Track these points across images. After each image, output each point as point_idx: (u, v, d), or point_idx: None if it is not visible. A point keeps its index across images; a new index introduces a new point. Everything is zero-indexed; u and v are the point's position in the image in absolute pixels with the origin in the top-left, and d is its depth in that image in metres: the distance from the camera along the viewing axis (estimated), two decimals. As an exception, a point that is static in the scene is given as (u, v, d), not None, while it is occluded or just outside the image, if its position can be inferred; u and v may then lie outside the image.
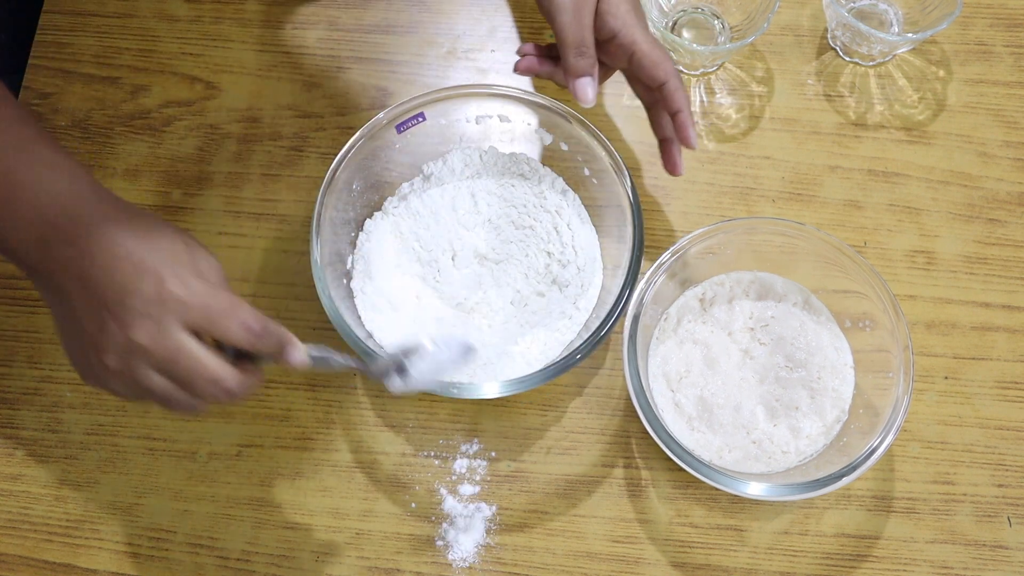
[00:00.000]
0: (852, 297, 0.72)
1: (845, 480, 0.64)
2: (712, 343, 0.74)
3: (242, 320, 0.56)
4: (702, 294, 0.75)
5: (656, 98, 0.71)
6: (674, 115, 0.70)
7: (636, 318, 0.69)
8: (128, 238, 0.56)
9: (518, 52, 0.73)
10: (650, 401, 0.67)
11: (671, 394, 0.73)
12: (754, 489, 0.65)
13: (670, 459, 0.66)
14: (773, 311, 0.74)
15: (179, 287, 0.55)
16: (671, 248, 0.71)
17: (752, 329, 0.74)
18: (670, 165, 0.73)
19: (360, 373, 0.68)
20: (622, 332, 0.68)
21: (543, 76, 0.73)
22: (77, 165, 0.60)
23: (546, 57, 0.73)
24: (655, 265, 0.70)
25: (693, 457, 0.66)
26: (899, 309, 0.69)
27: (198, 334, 0.56)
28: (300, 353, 0.59)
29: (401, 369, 0.62)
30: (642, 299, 0.69)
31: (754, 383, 0.73)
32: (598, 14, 0.68)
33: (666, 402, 0.72)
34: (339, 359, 0.62)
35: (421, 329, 0.65)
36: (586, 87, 0.69)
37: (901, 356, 0.68)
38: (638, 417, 0.66)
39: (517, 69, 0.73)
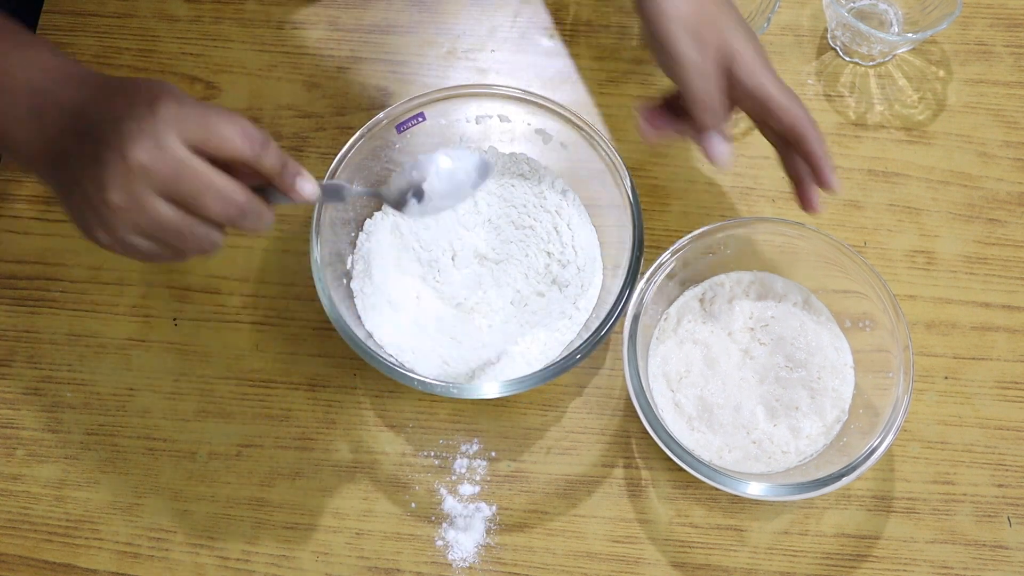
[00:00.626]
0: (852, 297, 0.72)
1: (845, 480, 0.64)
2: (712, 343, 0.74)
3: (242, 127, 0.54)
4: (702, 294, 0.75)
5: (787, 141, 0.68)
6: (810, 157, 0.67)
7: (636, 318, 0.69)
8: (119, 80, 0.56)
9: (637, 111, 0.69)
10: (650, 401, 0.67)
11: (671, 394, 0.73)
12: (754, 489, 0.65)
13: (670, 459, 0.66)
14: (773, 311, 0.74)
15: (173, 103, 0.54)
16: (671, 248, 0.71)
17: (752, 329, 0.74)
18: (807, 204, 0.69)
19: (375, 198, 0.66)
20: (622, 332, 0.68)
21: (670, 137, 0.69)
22: (55, 46, 0.60)
23: (666, 112, 0.69)
24: (655, 265, 0.70)
25: (693, 457, 0.66)
26: (899, 309, 0.69)
27: (199, 152, 0.54)
28: (309, 181, 0.58)
29: (418, 192, 0.61)
30: (642, 299, 0.69)
31: (754, 383, 0.73)
32: (730, 73, 0.65)
33: (666, 402, 0.72)
34: (349, 188, 0.61)
35: (436, 156, 0.63)
36: (721, 146, 0.67)
37: (901, 356, 0.68)
38: (638, 417, 0.66)
39: (643, 134, 0.69)
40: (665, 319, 0.74)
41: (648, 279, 0.70)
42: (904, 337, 0.68)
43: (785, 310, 0.74)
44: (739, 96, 0.66)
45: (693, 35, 0.64)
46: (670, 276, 0.71)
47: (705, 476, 0.65)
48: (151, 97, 0.54)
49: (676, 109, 0.68)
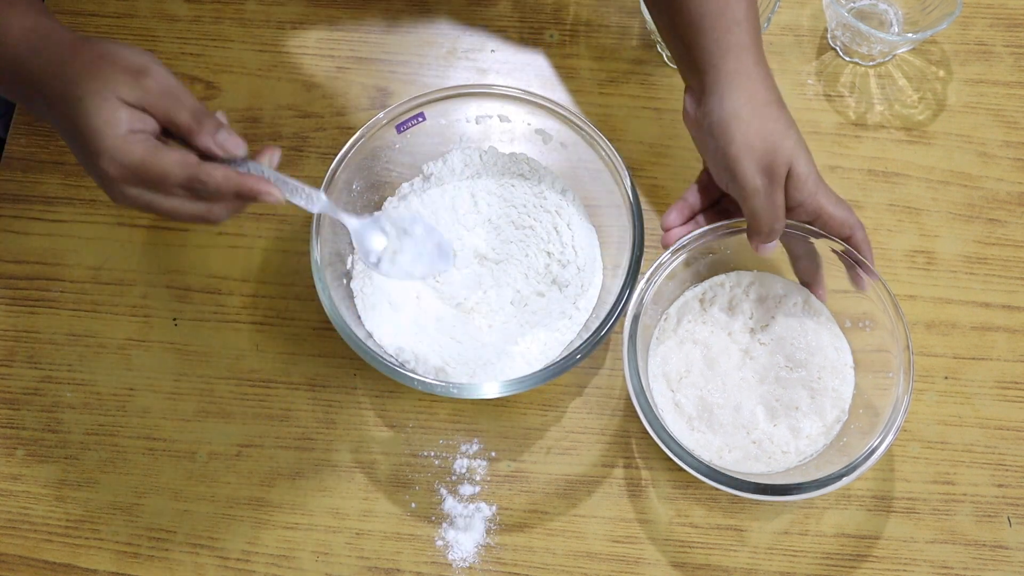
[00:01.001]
0: (852, 297, 0.72)
1: (845, 480, 0.64)
2: (712, 343, 0.74)
3: (176, 183, 0.57)
4: (702, 294, 0.75)
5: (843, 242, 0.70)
6: (859, 262, 0.70)
7: (636, 318, 0.69)
8: (80, 59, 0.59)
9: (664, 227, 0.72)
10: (650, 401, 0.67)
11: (671, 394, 0.73)
12: (752, 490, 0.65)
13: (670, 459, 0.66)
14: (773, 311, 0.74)
15: (109, 166, 0.57)
16: (671, 248, 0.71)
17: (752, 329, 0.74)
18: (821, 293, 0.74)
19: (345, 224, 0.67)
20: (622, 332, 0.68)
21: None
22: (41, 7, 0.63)
23: (691, 217, 0.73)
24: (655, 265, 0.70)
25: (693, 457, 0.66)
26: (899, 309, 0.69)
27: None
28: (237, 145, 0.60)
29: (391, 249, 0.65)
30: (642, 299, 0.69)
31: (754, 383, 0.73)
32: (789, 188, 0.67)
33: (666, 402, 0.72)
34: (319, 197, 0.63)
35: (418, 220, 0.68)
36: (772, 247, 0.69)
37: (901, 356, 0.68)
38: (638, 417, 0.66)
39: (666, 244, 0.71)
40: (665, 319, 0.74)
41: (648, 279, 0.70)
42: (904, 337, 0.68)
43: (785, 310, 0.74)
44: (795, 207, 0.68)
45: (760, 163, 0.66)
46: (670, 276, 0.71)
47: (705, 476, 0.65)
48: (93, 152, 0.57)
49: (703, 195, 0.73)
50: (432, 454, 0.74)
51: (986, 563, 0.71)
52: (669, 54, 0.85)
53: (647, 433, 0.66)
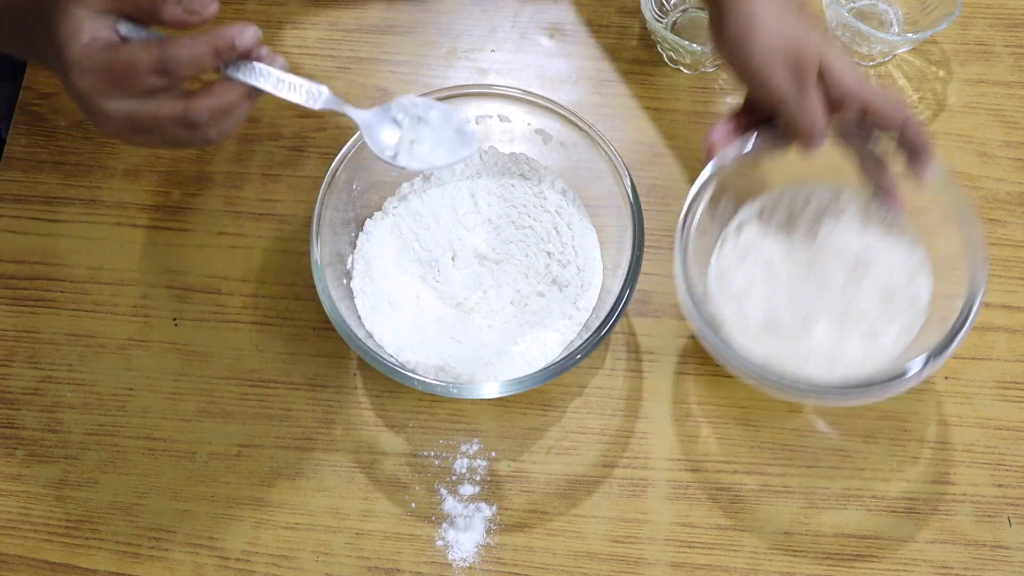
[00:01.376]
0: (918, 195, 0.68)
1: (933, 363, 0.61)
2: (774, 257, 0.71)
3: (146, 69, 0.54)
4: (760, 208, 0.72)
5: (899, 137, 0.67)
6: (917, 151, 0.66)
7: (688, 224, 0.65)
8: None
9: (710, 140, 0.69)
10: (710, 317, 0.62)
11: (736, 306, 0.69)
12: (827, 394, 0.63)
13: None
14: (836, 218, 0.71)
15: (80, 79, 0.55)
16: (712, 168, 0.68)
17: (815, 239, 0.71)
18: (893, 200, 0.70)
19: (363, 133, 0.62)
20: (673, 248, 0.66)
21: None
22: None
23: (737, 127, 0.70)
24: (698, 184, 0.67)
25: (766, 370, 0.61)
26: (965, 199, 0.65)
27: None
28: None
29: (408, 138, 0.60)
30: (693, 215, 0.66)
31: (821, 293, 0.69)
32: (827, 86, 0.65)
33: (729, 317, 0.68)
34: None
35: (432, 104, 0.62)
36: (818, 154, 0.67)
37: (978, 252, 0.65)
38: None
39: (711, 147, 0.69)
40: (722, 240, 0.71)
41: (696, 194, 0.67)
42: (978, 234, 0.65)
43: (849, 216, 0.70)
44: (839, 104, 0.65)
45: (786, 65, 0.64)
46: (718, 193, 0.68)
47: (780, 390, 0.62)
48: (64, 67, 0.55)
49: (750, 115, 0.69)
50: (432, 454, 0.74)
51: (986, 563, 0.71)
52: (669, 55, 0.85)
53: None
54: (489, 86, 0.76)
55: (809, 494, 0.73)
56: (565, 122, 0.75)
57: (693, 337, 0.77)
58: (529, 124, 0.77)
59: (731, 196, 0.71)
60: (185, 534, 0.73)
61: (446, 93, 0.75)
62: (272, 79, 0.56)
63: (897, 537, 0.72)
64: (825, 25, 0.64)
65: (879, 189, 0.70)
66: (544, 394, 0.76)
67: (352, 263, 0.76)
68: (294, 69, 0.87)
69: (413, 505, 0.73)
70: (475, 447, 0.75)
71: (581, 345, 0.68)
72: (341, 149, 0.73)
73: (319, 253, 0.70)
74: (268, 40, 0.86)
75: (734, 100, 0.84)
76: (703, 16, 0.86)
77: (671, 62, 0.86)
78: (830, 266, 0.71)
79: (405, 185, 0.79)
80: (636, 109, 0.84)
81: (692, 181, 0.77)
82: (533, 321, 0.75)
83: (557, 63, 0.86)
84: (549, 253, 0.77)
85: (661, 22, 0.86)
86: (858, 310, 0.70)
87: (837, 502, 0.73)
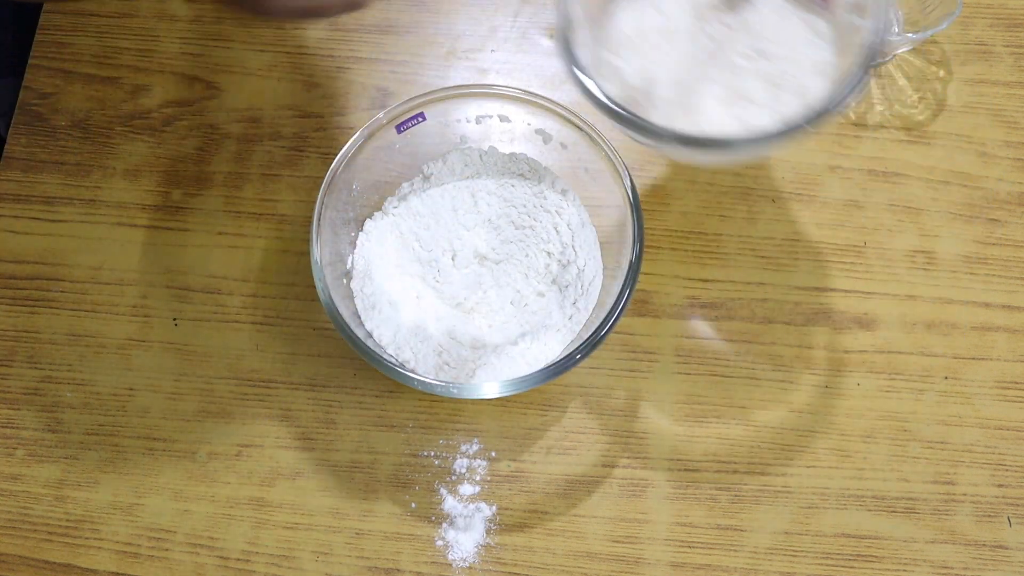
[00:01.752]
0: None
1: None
2: (674, 14, 0.65)
3: None
4: None
5: None
6: None
7: None
8: None
9: None
10: (578, 51, 0.57)
11: (610, 55, 0.64)
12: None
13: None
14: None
15: None
16: None
17: (724, 12, 0.65)
18: None
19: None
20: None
21: None
22: None
23: None
24: None
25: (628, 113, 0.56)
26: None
27: None
28: None
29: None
30: None
31: (708, 64, 0.64)
32: None
33: (603, 62, 0.63)
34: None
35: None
36: None
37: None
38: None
39: None
40: None
41: None
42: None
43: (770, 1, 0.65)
44: None
45: None
46: None
47: (630, 127, 0.57)
48: None
49: None
50: (432, 454, 0.74)
51: (986, 563, 0.71)
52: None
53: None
54: (489, 86, 0.76)
55: (809, 494, 0.73)
56: (565, 122, 0.75)
57: (693, 337, 0.77)
58: (529, 124, 0.77)
59: None
60: (185, 534, 0.73)
61: (446, 93, 0.75)
62: None
63: (897, 537, 0.72)
64: None
65: None
66: (544, 394, 0.76)
67: (352, 263, 0.76)
68: (294, 68, 0.87)
69: (413, 505, 0.73)
70: (475, 447, 0.75)
71: (581, 345, 0.68)
72: (341, 149, 0.73)
73: (319, 253, 0.70)
74: (268, 39, 0.87)
75: (734, 100, 0.84)
76: (703, 16, 0.86)
77: (671, 62, 0.86)
78: (727, 40, 0.64)
79: (405, 185, 0.79)
80: (636, 109, 0.84)
81: (692, 181, 0.77)
82: (533, 321, 0.75)
83: (557, 63, 0.86)
84: (549, 253, 0.77)
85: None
86: (741, 91, 0.63)
87: (837, 502, 0.73)
